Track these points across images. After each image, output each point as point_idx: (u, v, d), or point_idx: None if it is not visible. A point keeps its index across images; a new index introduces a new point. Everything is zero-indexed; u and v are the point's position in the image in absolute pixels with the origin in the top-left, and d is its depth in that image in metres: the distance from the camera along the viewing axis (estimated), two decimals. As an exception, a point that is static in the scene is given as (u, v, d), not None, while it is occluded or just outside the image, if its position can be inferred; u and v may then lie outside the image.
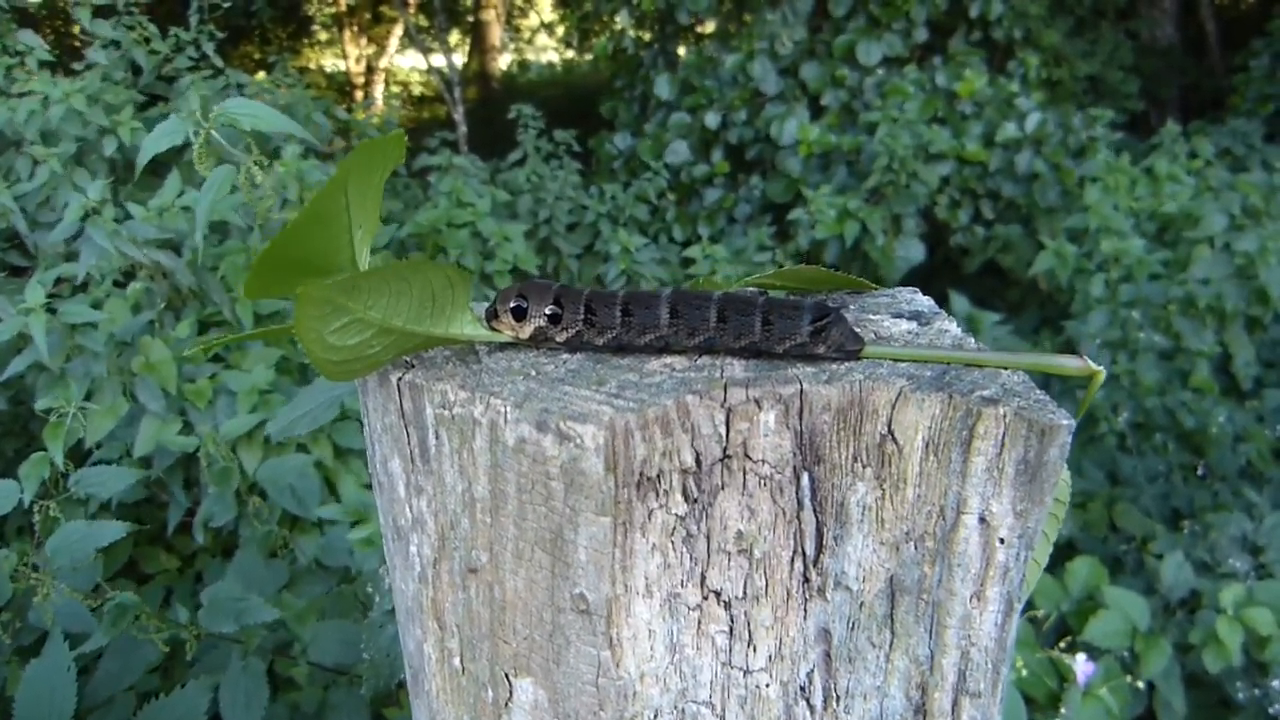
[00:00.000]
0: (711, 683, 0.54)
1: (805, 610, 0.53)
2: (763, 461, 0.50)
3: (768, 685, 0.54)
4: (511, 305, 0.55)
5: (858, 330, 0.55)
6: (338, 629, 1.63)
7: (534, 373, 0.53)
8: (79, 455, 2.12)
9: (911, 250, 4.37)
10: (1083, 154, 4.42)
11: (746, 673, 0.54)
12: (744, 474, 0.50)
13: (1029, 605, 2.01)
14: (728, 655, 0.54)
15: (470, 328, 0.54)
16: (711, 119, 5.29)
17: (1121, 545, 2.57)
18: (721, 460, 0.50)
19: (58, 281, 2.43)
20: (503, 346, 0.57)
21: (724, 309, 0.53)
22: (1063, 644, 1.88)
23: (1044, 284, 3.74)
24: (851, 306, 0.63)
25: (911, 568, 0.52)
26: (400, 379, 0.53)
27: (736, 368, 0.53)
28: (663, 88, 5.53)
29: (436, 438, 0.53)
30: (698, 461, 0.50)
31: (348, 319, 0.47)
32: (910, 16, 5.14)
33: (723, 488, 0.50)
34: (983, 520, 0.50)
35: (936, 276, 4.56)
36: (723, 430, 0.49)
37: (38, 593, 1.37)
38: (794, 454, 0.50)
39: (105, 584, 1.86)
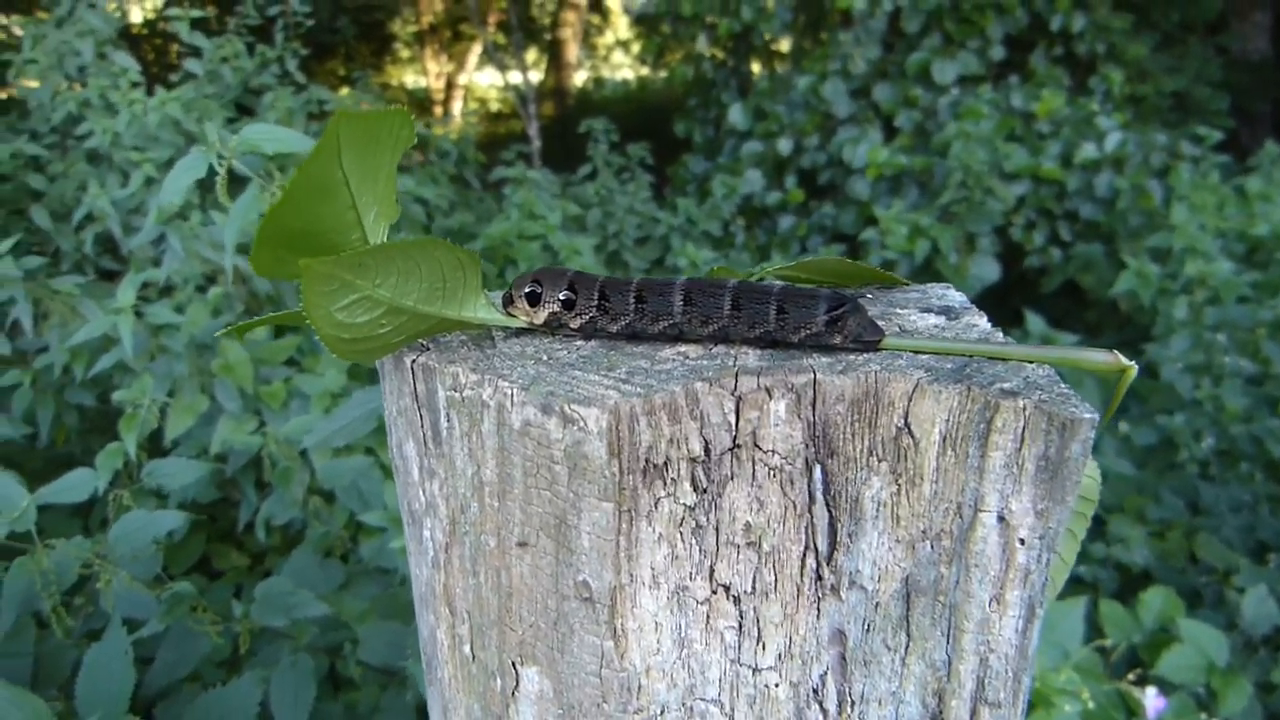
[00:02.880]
0: (720, 680, 0.53)
1: (819, 609, 0.52)
2: (772, 452, 0.49)
3: (777, 685, 0.53)
4: (526, 290, 0.54)
5: (877, 321, 0.53)
6: (386, 631, 1.65)
7: (545, 358, 0.53)
8: (160, 454, 2.19)
9: (986, 269, 4.26)
10: (1167, 174, 4.26)
11: (755, 671, 0.52)
12: (753, 464, 0.49)
13: (1098, 634, 1.93)
14: (737, 652, 0.52)
15: (484, 311, 0.54)
16: (784, 145, 5.25)
17: (1201, 577, 2.45)
18: (731, 450, 0.49)
19: (145, 285, 2.52)
20: (519, 332, 0.57)
21: (738, 297, 0.52)
22: (1132, 676, 1.80)
23: (1124, 305, 3.62)
24: (880, 300, 0.61)
25: (928, 568, 0.50)
26: (414, 361, 0.53)
27: (751, 357, 0.52)
28: (737, 116, 5.51)
29: (448, 421, 0.53)
30: (707, 450, 0.49)
31: (356, 296, 0.47)
32: (987, 34, 5.04)
33: (732, 478, 0.49)
34: (1001, 519, 0.48)
35: (1012, 295, 4.45)
36: (732, 419, 0.48)
37: (100, 579, 1.42)
38: (806, 445, 0.49)
39: (179, 577, 1.91)
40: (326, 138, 0.43)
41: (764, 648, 0.52)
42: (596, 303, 0.54)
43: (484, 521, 0.53)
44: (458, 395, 0.51)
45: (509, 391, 0.49)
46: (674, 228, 4.90)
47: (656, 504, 0.49)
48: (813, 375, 0.48)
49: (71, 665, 1.67)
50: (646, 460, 0.48)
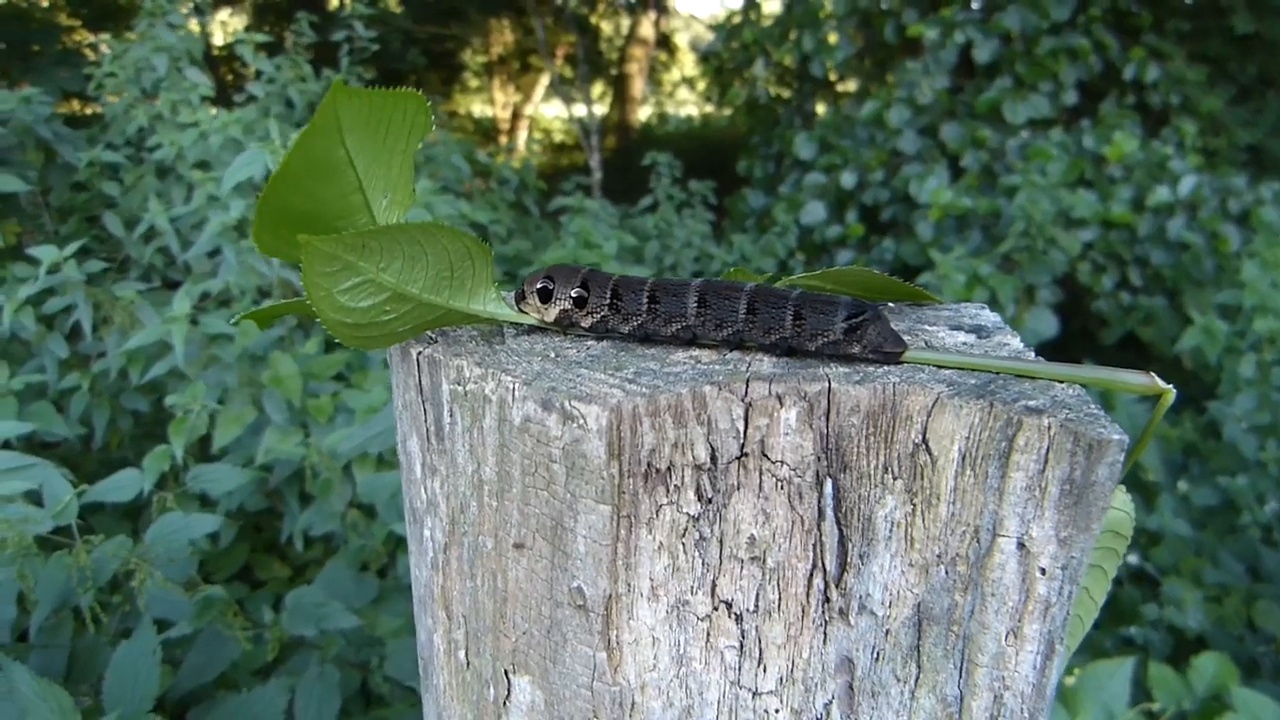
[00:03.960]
0: (719, 702, 0.50)
1: (825, 634, 0.49)
2: (781, 462, 0.46)
3: (777, 711, 0.50)
4: (538, 286, 0.53)
5: (899, 331, 0.51)
6: (414, 646, 1.63)
7: (554, 355, 0.52)
8: (209, 461, 2.22)
9: (1043, 323, 4.16)
10: (1246, 219, 4.11)
11: (755, 694, 0.50)
12: (760, 474, 0.47)
13: (1146, 697, 1.85)
14: (737, 674, 0.50)
15: (494, 305, 0.53)
16: (848, 179, 5.20)
17: (1260, 646, 2.34)
18: (738, 458, 0.47)
19: (204, 297, 2.58)
20: (530, 330, 0.56)
21: (754, 301, 0.50)
22: (1181, 744, 1.71)
23: (1188, 361, 3.50)
24: (909, 316, 0.59)
25: (941, 594, 0.47)
26: (420, 353, 0.52)
27: (766, 364, 0.50)
28: (803, 147, 5.48)
29: (451, 416, 0.51)
30: (713, 458, 0.46)
31: (359, 279, 0.46)
32: (1059, 78, 4.96)
33: (738, 488, 0.47)
34: (1021, 545, 0.45)
35: (1070, 347, 4.33)
36: (741, 426, 0.46)
37: (135, 579, 1.43)
38: (817, 457, 0.46)
39: (220, 583, 1.92)
40: (323, 111, 0.42)
41: (765, 670, 0.49)
42: (609, 301, 0.52)
43: (483, 522, 0.52)
44: (461, 389, 0.50)
45: (511, 386, 0.48)
46: (729, 264, 4.90)
47: (658, 511, 0.47)
48: (827, 384, 0.46)
49: (107, 662, 1.69)
50: (649, 464, 0.46)
